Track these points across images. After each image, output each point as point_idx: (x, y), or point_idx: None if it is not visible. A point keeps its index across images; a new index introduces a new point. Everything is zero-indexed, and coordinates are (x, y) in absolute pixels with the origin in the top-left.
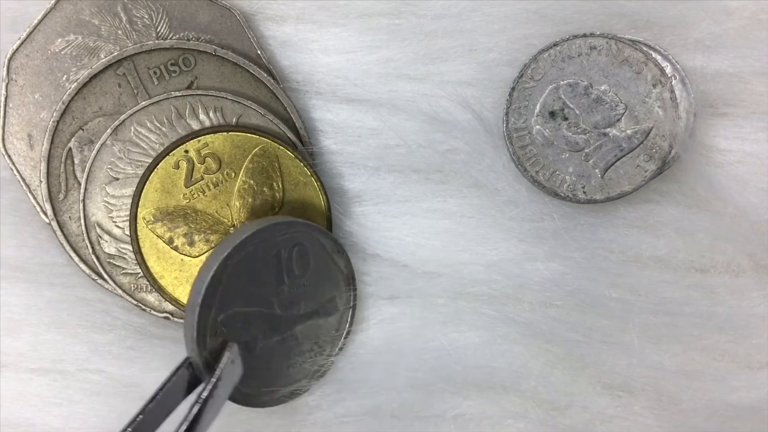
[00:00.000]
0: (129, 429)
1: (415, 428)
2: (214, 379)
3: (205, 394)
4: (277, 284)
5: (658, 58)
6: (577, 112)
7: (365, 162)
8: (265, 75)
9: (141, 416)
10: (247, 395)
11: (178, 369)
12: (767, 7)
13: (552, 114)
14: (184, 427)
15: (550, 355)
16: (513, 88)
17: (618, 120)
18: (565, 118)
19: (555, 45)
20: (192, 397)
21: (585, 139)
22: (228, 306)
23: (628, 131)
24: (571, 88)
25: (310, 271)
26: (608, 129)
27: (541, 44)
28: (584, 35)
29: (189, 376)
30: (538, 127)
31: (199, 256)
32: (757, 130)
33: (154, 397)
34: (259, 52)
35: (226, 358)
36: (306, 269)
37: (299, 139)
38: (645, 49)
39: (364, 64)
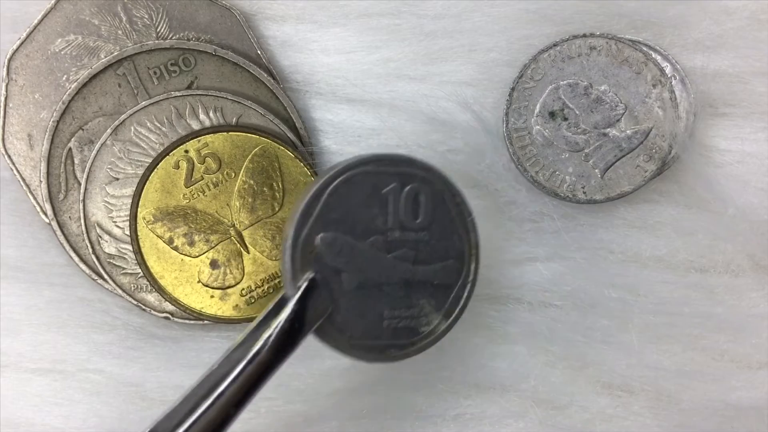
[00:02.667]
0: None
1: (416, 428)
2: (292, 304)
3: (282, 317)
4: (386, 225)
5: (658, 58)
6: (577, 112)
7: None
8: (265, 75)
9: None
10: (332, 336)
11: (273, 308)
12: (767, 7)
13: (552, 114)
14: (253, 351)
15: (549, 354)
16: (513, 89)
17: (618, 120)
18: (565, 119)
19: (555, 45)
20: None
21: (585, 140)
22: (327, 227)
23: (628, 131)
24: (570, 88)
25: (429, 224)
26: (608, 129)
27: (541, 44)
28: (584, 35)
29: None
30: (537, 127)
31: (199, 256)
32: (757, 130)
33: (242, 342)
34: (259, 52)
35: (306, 284)
36: (424, 220)
37: (299, 139)
38: (645, 49)
39: (364, 64)
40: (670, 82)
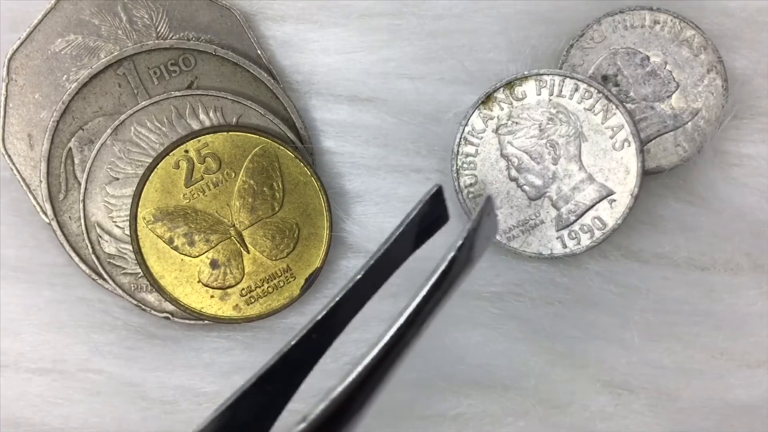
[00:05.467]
0: (360, 275)
1: (417, 427)
2: (471, 226)
3: (460, 240)
4: None
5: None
6: (630, 80)
7: (365, 162)
8: (265, 75)
9: (372, 262)
10: None
11: (427, 197)
12: (766, 7)
13: (605, 78)
14: (434, 279)
15: (551, 352)
16: (571, 46)
17: (668, 96)
18: (617, 85)
19: (621, 12)
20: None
21: (632, 109)
22: None
23: (676, 110)
24: (628, 56)
25: None
26: (656, 103)
27: (541, 45)
28: (650, 8)
29: (420, 223)
30: None
31: (199, 256)
32: (754, 131)
33: (392, 238)
34: (259, 52)
35: (483, 204)
36: None
37: (299, 139)
38: (706, 35)
39: (364, 64)
40: (725, 71)
